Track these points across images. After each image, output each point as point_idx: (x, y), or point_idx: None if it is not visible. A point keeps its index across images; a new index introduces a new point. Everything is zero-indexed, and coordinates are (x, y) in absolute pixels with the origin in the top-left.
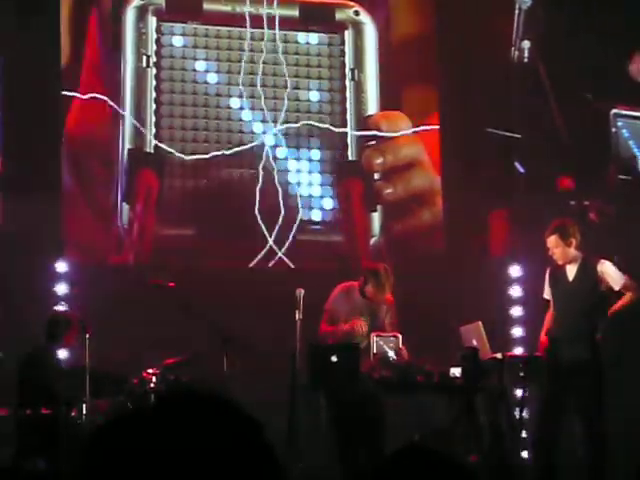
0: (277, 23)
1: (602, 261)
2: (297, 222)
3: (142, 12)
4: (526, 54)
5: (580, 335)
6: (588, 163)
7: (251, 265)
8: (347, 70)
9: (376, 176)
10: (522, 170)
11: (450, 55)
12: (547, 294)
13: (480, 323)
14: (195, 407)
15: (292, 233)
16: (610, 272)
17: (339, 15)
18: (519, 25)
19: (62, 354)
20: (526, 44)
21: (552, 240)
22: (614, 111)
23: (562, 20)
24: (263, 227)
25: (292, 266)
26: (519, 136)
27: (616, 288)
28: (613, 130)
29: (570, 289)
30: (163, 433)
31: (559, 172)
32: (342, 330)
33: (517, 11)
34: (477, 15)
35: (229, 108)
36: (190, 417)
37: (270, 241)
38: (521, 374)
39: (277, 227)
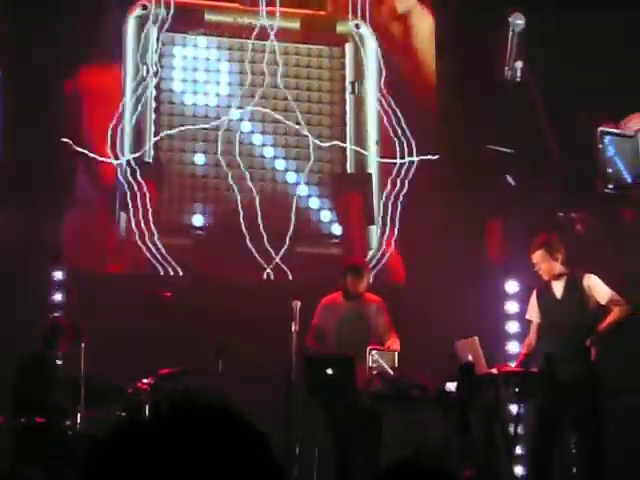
0: (276, 35)
1: (587, 275)
2: (291, 234)
3: (143, 22)
4: (518, 74)
5: (573, 351)
6: (576, 177)
7: (249, 276)
8: (347, 83)
9: None
10: (513, 183)
11: (447, 75)
12: (531, 315)
13: (476, 338)
14: (199, 417)
15: (288, 245)
16: (597, 286)
17: (340, 28)
18: (512, 47)
19: (57, 362)
20: (519, 64)
21: (538, 255)
22: (601, 129)
23: (553, 43)
24: (265, 238)
25: (290, 278)
26: (511, 151)
27: (603, 302)
28: (600, 146)
29: (559, 306)
30: (167, 445)
31: (548, 185)
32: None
33: (510, 33)
34: (473, 36)
35: (229, 119)
36: (195, 428)
37: (278, 258)
38: (516, 389)
39: (272, 239)
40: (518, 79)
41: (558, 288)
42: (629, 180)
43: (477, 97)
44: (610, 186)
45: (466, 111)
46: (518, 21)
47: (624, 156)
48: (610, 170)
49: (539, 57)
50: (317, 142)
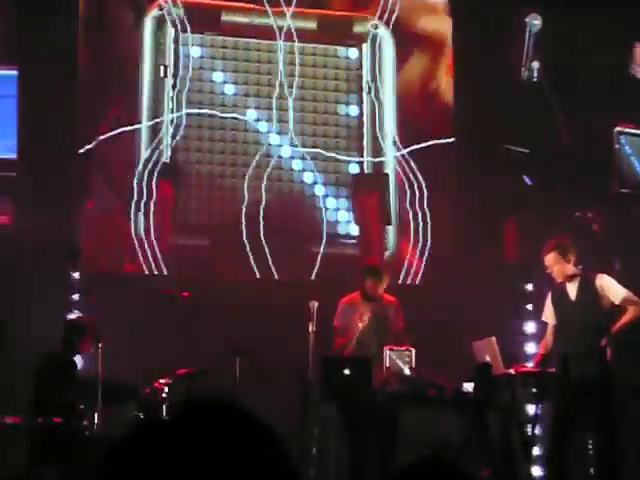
0: (293, 35)
1: (600, 275)
2: (307, 234)
3: (160, 23)
4: (535, 74)
5: (588, 352)
6: (592, 177)
7: (266, 277)
8: (364, 83)
9: None
10: (530, 183)
11: (465, 73)
12: (547, 317)
13: (494, 339)
14: (214, 418)
15: (305, 246)
16: (610, 286)
17: (357, 28)
18: (529, 47)
19: (75, 362)
20: (535, 64)
21: (550, 257)
22: (617, 129)
23: (571, 42)
24: (282, 239)
25: (307, 278)
26: (527, 151)
27: (617, 302)
28: (616, 146)
29: (574, 307)
30: (182, 445)
31: (564, 185)
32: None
33: (527, 34)
34: (490, 36)
35: (245, 119)
36: (210, 428)
37: (294, 259)
38: (534, 390)
39: (289, 239)
40: (535, 79)
41: (572, 290)
42: None
43: (492, 96)
44: (626, 186)
45: (482, 110)
46: (535, 21)
47: None
48: (626, 170)
49: (553, 56)
50: (334, 142)
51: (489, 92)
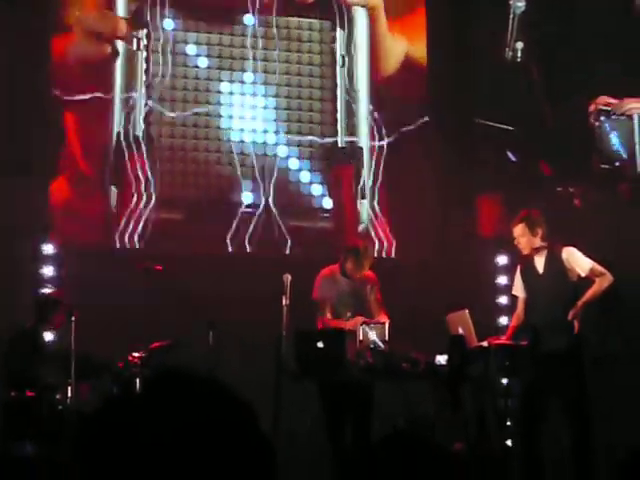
0: (264, 8)
1: (566, 248)
2: (282, 207)
3: None
4: (519, 54)
5: (557, 325)
6: (573, 153)
7: (240, 250)
8: (338, 56)
9: None
10: (514, 159)
11: (441, 45)
12: (517, 290)
13: (467, 311)
14: (187, 390)
15: (279, 219)
16: (576, 259)
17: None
18: (513, 28)
19: (48, 337)
20: (519, 45)
21: (519, 229)
22: (597, 107)
23: (554, 24)
24: (257, 212)
25: (281, 251)
26: (512, 128)
27: (583, 274)
28: (597, 124)
29: (541, 281)
30: (154, 417)
31: (547, 161)
32: (344, 326)
33: (511, 15)
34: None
35: (219, 92)
36: (182, 400)
37: (269, 231)
38: (507, 363)
39: (263, 213)
40: (518, 59)
41: (539, 263)
42: (624, 157)
43: (474, 75)
44: (605, 163)
45: (459, 87)
46: (519, 3)
47: (620, 133)
48: (605, 147)
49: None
50: (308, 116)
51: (465, 66)
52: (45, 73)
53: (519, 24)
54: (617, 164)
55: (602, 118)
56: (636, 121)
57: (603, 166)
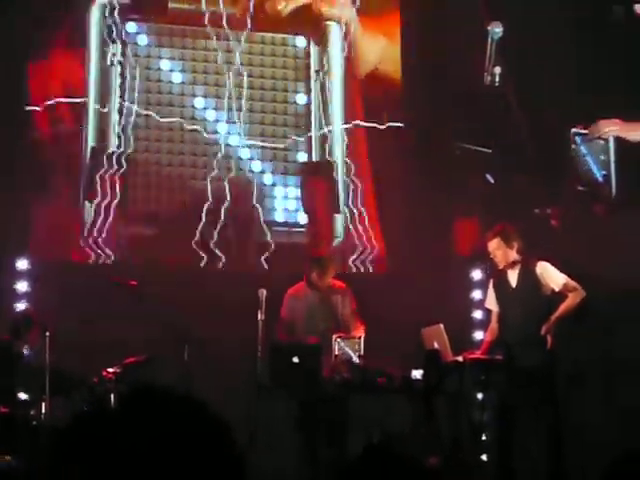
0: (237, 23)
1: (540, 263)
2: (260, 222)
3: (107, 10)
4: (497, 79)
5: (530, 339)
6: (551, 175)
7: (214, 265)
8: (312, 72)
9: None
10: (492, 181)
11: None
12: (490, 304)
13: (442, 325)
14: (161, 406)
15: (254, 234)
16: (550, 274)
17: (305, 17)
18: (491, 53)
19: (22, 352)
20: (497, 70)
21: (494, 243)
22: (574, 130)
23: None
24: (230, 227)
25: (256, 267)
26: (490, 150)
27: (557, 289)
28: (573, 147)
29: (515, 295)
30: (127, 433)
31: (525, 182)
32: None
33: (490, 40)
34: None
35: (193, 107)
36: (156, 416)
37: (243, 247)
38: (482, 377)
39: (237, 228)
40: (497, 84)
41: (512, 277)
42: (600, 179)
43: (449, 96)
44: (582, 185)
45: (437, 110)
46: (497, 29)
47: (595, 156)
48: (582, 169)
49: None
50: (282, 131)
51: (443, 91)
52: (21, 88)
53: (497, 49)
54: (593, 186)
55: (578, 141)
56: (611, 143)
57: (580, 188)
